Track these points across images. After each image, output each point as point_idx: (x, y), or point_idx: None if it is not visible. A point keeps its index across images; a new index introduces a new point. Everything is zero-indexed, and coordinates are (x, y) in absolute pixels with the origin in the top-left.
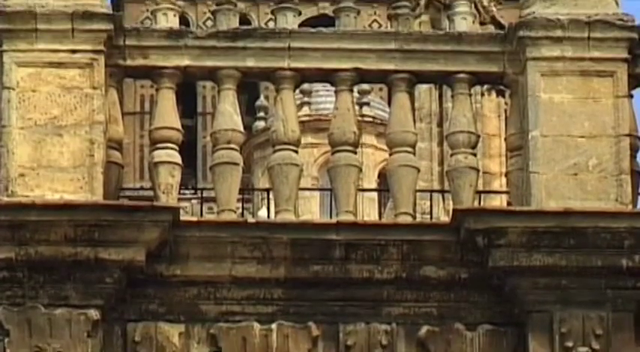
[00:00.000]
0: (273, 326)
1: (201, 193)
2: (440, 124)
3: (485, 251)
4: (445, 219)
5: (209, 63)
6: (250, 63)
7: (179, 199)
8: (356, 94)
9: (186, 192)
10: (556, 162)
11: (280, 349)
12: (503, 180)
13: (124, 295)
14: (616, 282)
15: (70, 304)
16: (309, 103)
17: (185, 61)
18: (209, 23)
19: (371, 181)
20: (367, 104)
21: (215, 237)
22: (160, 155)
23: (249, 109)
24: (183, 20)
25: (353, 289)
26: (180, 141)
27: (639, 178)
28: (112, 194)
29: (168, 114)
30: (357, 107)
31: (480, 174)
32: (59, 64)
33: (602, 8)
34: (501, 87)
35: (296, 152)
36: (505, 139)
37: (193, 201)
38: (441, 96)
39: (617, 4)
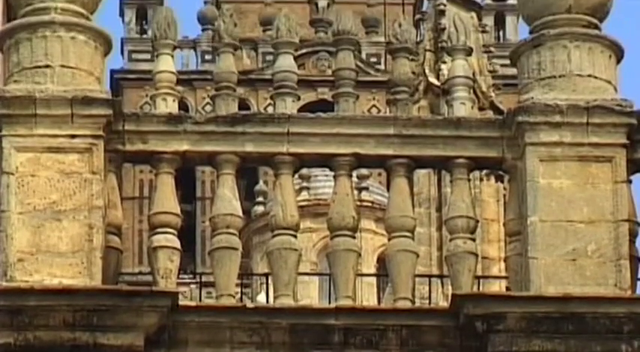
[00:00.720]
0: None
1: (200, 278)
2: (439, 209)
3: (484, 336)
4: (444, 304)
5: (208, 148)
6: (249, 148)
7: (178, 284)
8: (355, 179)
9: (185, 276)
10: (555, 247)
11: None
12: (502, 265)
13: None
14: None
15: None
16: (307, 188)
17: (184, 146)
18: (208, 108)
19: (370, 266)
20: (366, 189)
21: (214, 322)
22: (159, 240)
23: (248, 194)
24: (183, 105)
25: None
26: (180, 226)
27: (638, 263)
28: (111, 279)
29: (167, 199)
30: (356, 192)
31: (479, 259)
32: (58, 149)
33: (600, 94)
34: (500, 172)
35: (295, 237)
36: (504, 224)
37: (192, 286)
38: (439, 181)
39: (615, 89)
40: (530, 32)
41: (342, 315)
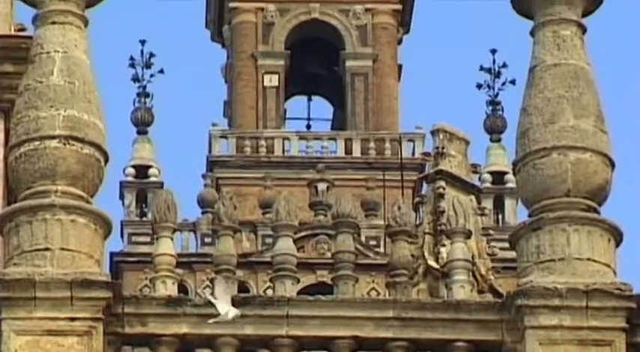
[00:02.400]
0: None
1: None
2: None
3: None
4: None
5: (207, 330)
6: (248, 330)
7: None
8: None
9: None
10: None
11: None
12: None
13: None
14: None
15: None
16: None
17: (183, 329)
18: (208, 291)
19: None
20: None
21: None
22: None
23: None
24: (182, 288)
25: None
26: None
27: None
28: None
29: None
30: None
31: None
32: (57, 332)
33: (600, 277)
34: None
35: None
36: None
37: None
38: None
39: (614, 273)
40: (530, 215)
41: None
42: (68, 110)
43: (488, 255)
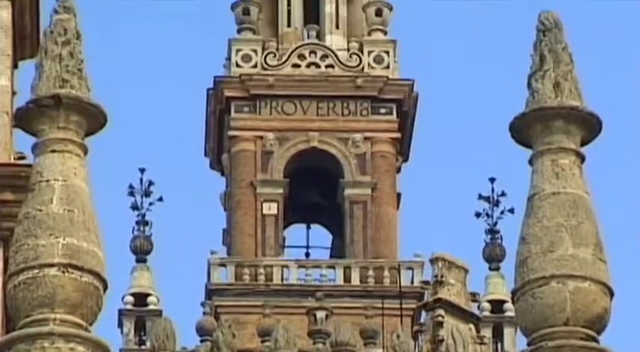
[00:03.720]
0: None
1: None
2: None
3: None
4: None
5: None
6: None
7: None
8: None
9: None
10: None
11: None
12: None
13: None
14: None
15: None
16: None
17: None
18: None
19: None
20: None
21: None
22: None
23: None
24: None
25: None
26: None
27: None
28: None
29: None
30: None
31: None
32: None
33: None
34: None
35: None
36: None
37: None
38: None
39: None
40: (529, 344)
41: None
42: (67, 238)
43: None
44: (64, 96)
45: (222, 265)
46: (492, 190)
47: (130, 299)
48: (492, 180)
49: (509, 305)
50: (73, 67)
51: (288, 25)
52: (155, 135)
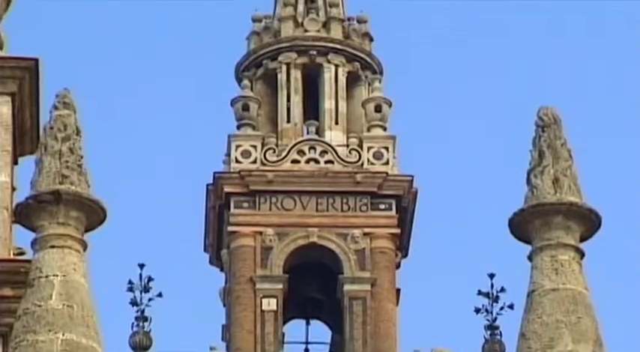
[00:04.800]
0: None
1: None
2: None
3: None
4: None
5: None
6: None
7: None
8: None
9: None
10: None
11: None
12: None
13: None
14: None
15: None
16: None
17: None
18: None
19: None
20: None
21: None
22: None
23: None
24: None
25: None
26: None
27: None
28: None
29: None
30: None
31: None
32: None
33: None
34: None
35: None
36: None
37: None
38: None
39: None
40: None
41: None
42: (67, 334)
43: None
44: (64, 192)
45: None
46: (492, 286)
47: None
48: (492, 275)
49: None
50: (73, 162)
51: (288, 121)
52: (154, 230)
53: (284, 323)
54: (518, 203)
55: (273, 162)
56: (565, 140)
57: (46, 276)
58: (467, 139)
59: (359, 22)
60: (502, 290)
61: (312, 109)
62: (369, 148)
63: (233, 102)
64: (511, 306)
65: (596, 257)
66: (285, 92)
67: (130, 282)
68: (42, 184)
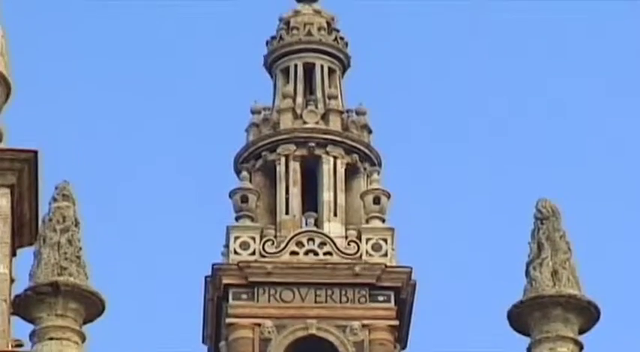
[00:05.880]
0: None
1: None
2: None
3: None
4: None
5: None
6: None
7: None
8: None
9: None
10: None
11: None
12: None
13: None
14: None
15: None
16: None
17: None
18: None
19: None
20: None
21: None
22: None
23: None
24: None
25: None
26: None
27: None
28: None
29: None
30: None
31: None
32: None
33: None
34: None
35: None
36: None
37: None
38: None
39: None
40: None
41: None
42: None
43: None
44: (63, 284)
45: None
46: None
47: None
48: None
49: None
50: (72, 254)
51: (287, 213)
52: (153, 322)
53: None
54: (517, 295)
55: (272, 253)
56: (564, 232)
57: None
58: (465, 231)
59: (358, 113)
60: None
61: (310, 201)
62: (367, 240)
63: (232, 194)
64: None
65: (595, 349)
66: (283, 184)
67: None
68: (40, 276)
